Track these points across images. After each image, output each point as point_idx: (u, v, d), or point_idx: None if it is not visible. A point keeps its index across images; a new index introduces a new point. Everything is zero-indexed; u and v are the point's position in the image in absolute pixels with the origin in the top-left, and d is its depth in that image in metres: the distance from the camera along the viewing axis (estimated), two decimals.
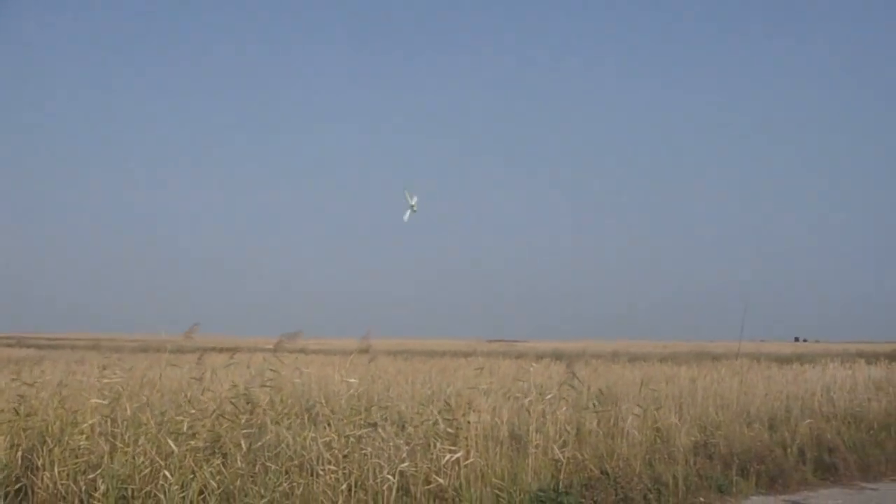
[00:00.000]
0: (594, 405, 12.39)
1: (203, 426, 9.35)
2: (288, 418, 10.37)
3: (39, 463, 8.54)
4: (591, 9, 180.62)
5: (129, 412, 9.72)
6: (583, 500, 9.95)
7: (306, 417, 10.80)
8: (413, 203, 12.22)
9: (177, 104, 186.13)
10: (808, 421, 14.46)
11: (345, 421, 9.95)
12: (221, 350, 34.64)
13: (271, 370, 10.94)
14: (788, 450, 12.98)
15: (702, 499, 11.15)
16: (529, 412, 11.19)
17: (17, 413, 9.27)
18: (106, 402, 9.84)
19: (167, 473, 8.24)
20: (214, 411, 9.69)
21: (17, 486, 8.35)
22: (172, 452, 8.60)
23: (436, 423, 10.42)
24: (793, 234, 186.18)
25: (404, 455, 9.36)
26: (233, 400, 9.97)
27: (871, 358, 30.47)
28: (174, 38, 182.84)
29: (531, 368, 14.33)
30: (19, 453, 8.76)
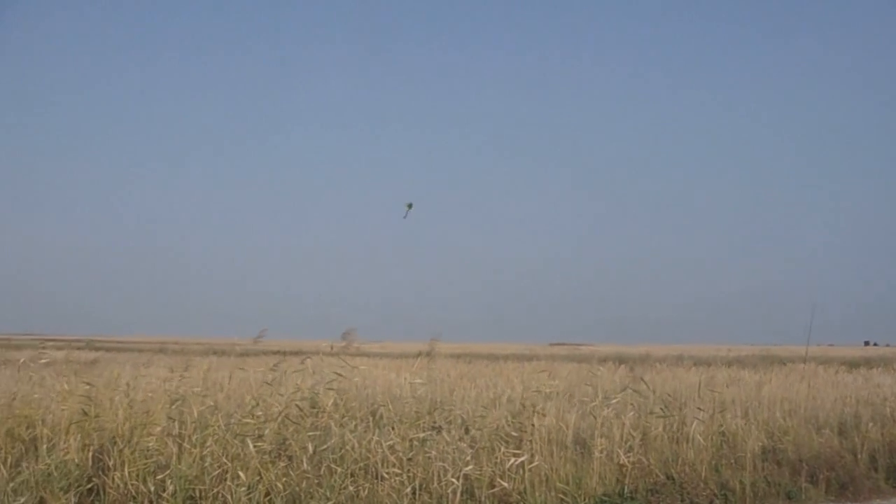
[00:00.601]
0: (660, 409, 12.25)
1: (270, 429, 9.45)
2: (352, 421, 10.42)
3: (110, 463, 8.69)
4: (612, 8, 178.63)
5: (195, 414, 9.88)
6: None
7: (371, 420, 10.85)
8: (407, 208, 12.34)
9: (202, 104, 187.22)
10: (881, 427, 14.16)
11: (409, 424, 9.98)
12: (285, 353, 35.01)
13: (336, 373, 10.99)
14: (859, 456, 12.71)
15: None
16: (595, 416, 11.12)
17: (87, 414, 9.44)
18: (174, 405, 10.00)
19: (241, 474, 8.34)
20: (281, 413, 9.78)
21: (88, 486, 8.50)
22: (240, 454, 8.71)
23: (500, 426, 10.40)
24: (864, 236, 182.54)
25: (468, 458, 9.36)
26: (298, 403, 10.05)
27: None
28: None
29: (598, 372, 14.23)
30: (90, 454, 8.91)
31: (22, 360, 15.12)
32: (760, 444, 12.48)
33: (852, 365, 30.79)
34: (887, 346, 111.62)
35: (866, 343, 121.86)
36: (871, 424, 14.22)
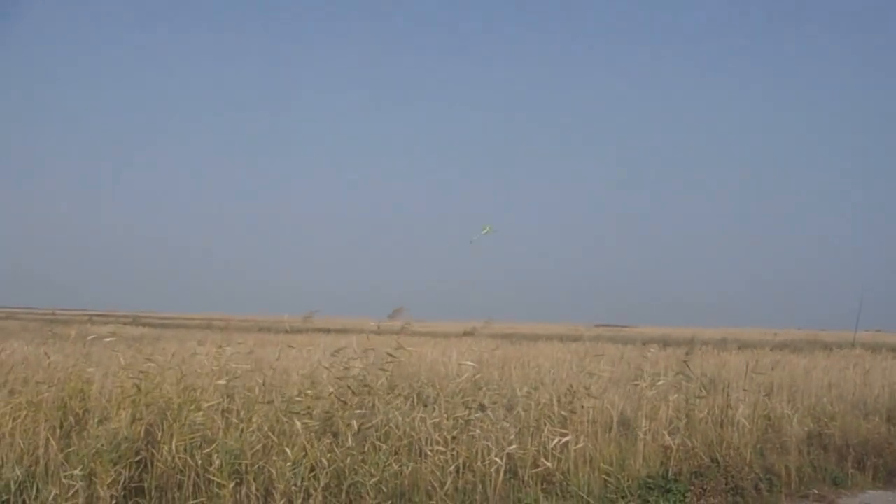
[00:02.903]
0: (704, 392, 12.19)
1: (318, 406, 9.55)
2: (398, 399, 10.49)
3: (159, 437, 8.83)
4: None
5: (245, 391, 10.02)
6: (692, 488, 9.82)
7: (415, 399, 10.92)
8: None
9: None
10: None
11: (454, 403, 10.03)
12: (329, 331, 35.25)
13: (389, 354, 11.06)
14: None
15: (815, 491, 10.89)
16: (640, 398, 11.10)
17: (139, 389, 9.58)
18: (224, 381, 10.14)
19: (287, 450, 8.43)
20: (332, 394, 9.88)
21: (137, 459, 8.63)
22: (286, 431, 8.82)
23: (544, 405, 10.42)
24: None
25: (512, 438, 9.39)
26: (350, 385, 10.11)
27: None
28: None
29: (648, 354, 14.17)
30: (141, 427, 9.05)
31: (73, 335, 15.40)
32: (806, 428, 12.40)
33: None
34: None
35: None
36: None
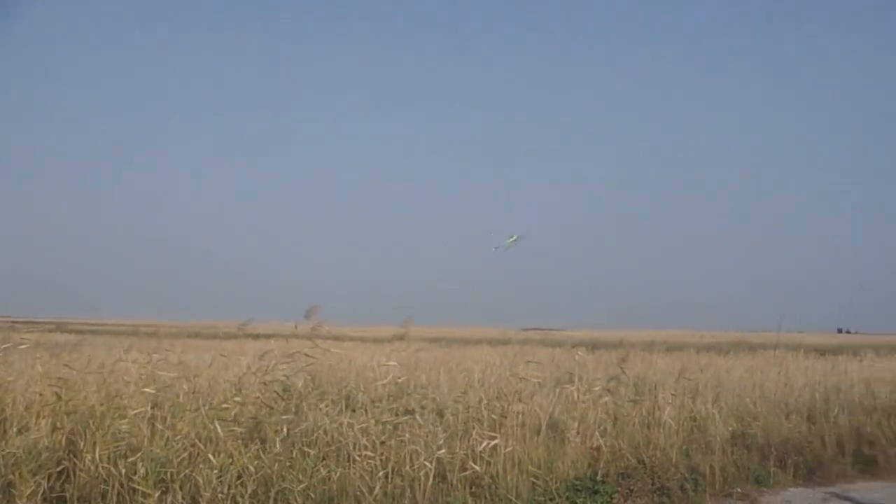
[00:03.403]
0: (633, 395, 12.34)
1: (245, 412, 9.45)
2: (325, 404, 10.43)
3: (81, 446, 8.66)
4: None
5: (171, 398, 9.87)
6: (619, 489, 9.92)
7: (344, 404, 10.87)
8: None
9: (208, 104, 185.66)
10: (848, 413, 14.35)
11: (382, 407, 10.01)
12: (258, 336, 34.91)
13: (307, 355, 10.99)
14: (827, 442, 12.88)
15: (739, 489, 11.08)
16: (574, 401, 11.20)
17: (59, 397, 9.38)
18: (150, 388, 9.97)
19: (211, 457, 8.32)
20: (258, 399, 9.77)
21: (59, 469, 8.45)
22: (212, 437, 8.71)
23: (474, 410, 10.45)
24: (836, 224, 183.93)
25: (441, 442, 9.40)
26: (276, 389, 10.03)
27: None
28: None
29: (577, 357, 14.31)
30: (62, 436, 8.86)
31: None
32: (731, 429, 12.63)
33: (822, 352, 31.10)
34: (856, 333, 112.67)
35: (839, 330, 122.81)
36: (838, 410, 14.42)
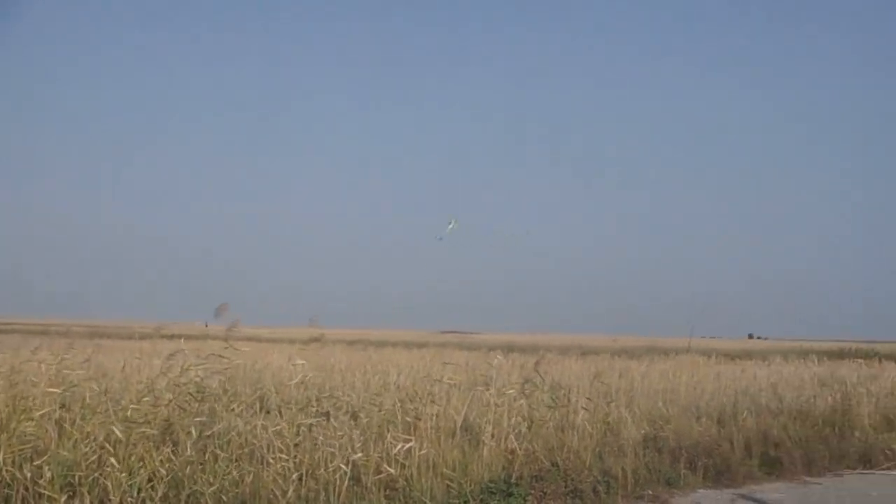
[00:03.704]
0: (549, 398, 12.44)
1: (157, 414, 9.27)
2: (238, 405, 10.31)
3: None
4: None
5: (81, 399, 9.64)
6: (532, 492, 10.00)
7: (258, 406, 10.75)
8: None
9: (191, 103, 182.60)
10: (756, 416, 14.70)
11: (296, 409, 9.93)
12: (172, 337, 34.36)
13: (220, 356, 10.86)
14: (735, 444, 13.14)
15: (650, 491, 11.25)
16: (489, 404, 11.24)
17: None
18: (59, 390, 9.72)
19: (113, 461, 8.15)
20: (172, 401, 9.59)
21: None
22: (122, 440, 8.52)
23: (389, 413, 10.44)
24: (748, 229, 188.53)
25: (357, 445, 9.36)
26: (190, 391, 9.87)
27: (819, 355, 31.00)
28: (169, 27, 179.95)
29: (495, 361, 14.37)
30: None
31: None
32: (643, 432, 12.82)
33: (733, 357, 31.81)
34: (766, 338, 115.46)
35: (750, 336, 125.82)
36: (746, 413, 14.76)
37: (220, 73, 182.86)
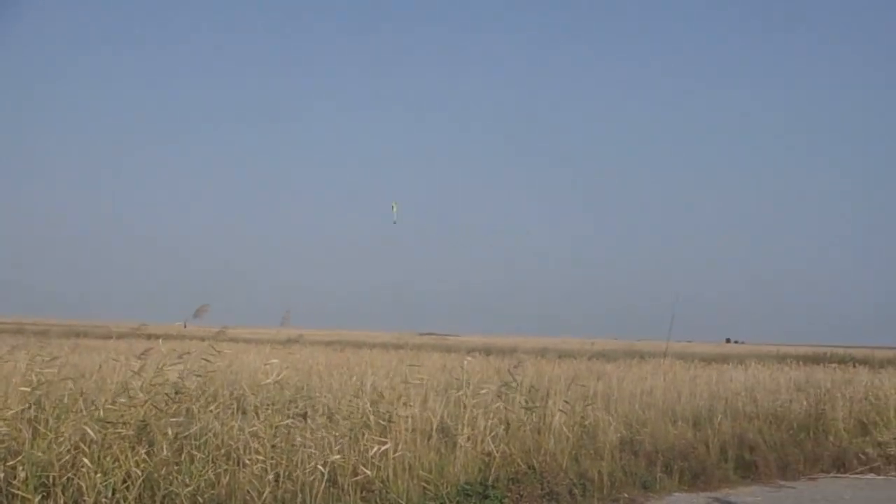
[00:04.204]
0: (525, 401, 12.46)
1: (133, 414, 9.21)
2: (215, 406, 10.27)
3: None
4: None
5: (55, 399, 9.57)
6: (509, 494, 10.03)
7: (235, 407, 10.71)
8: (394, 209, 12.51)
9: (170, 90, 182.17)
10: (731, 420, 14.79)
11: (273, 410, 9.89)
12: (149, 336, 34.15)
13: (205, 359, 10.82)
14: (711, 448, 13.23)
15: (626, 494, 11.30)
16: (464, 406, 11.24)
17: None
18: (30, 389, 9.63)
19: (86, 461, 8.09)
20: (147, 401, 9.52)
21: None
22: (97, 440, 8.46)
23: (364, 414, 10.42)
24: (726, 231, 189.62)
25: (336, 446, 9.35)
26: (166, 392, 9.82)
27: (795, 360, 31.20)
28: (163, 23, 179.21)
29: (465, 363, 14.37)
30: None
31: None
32: (619, 435, 12.85)
33: (709, 361, 31.93)
34: (742, 342, 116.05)
35: (727, 340, 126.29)
36: (722, 417, 14.84)
37: (220, 73, 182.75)
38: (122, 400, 9.41)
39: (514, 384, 12.83)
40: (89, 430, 8.42)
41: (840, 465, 14.10)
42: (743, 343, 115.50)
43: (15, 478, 7.92)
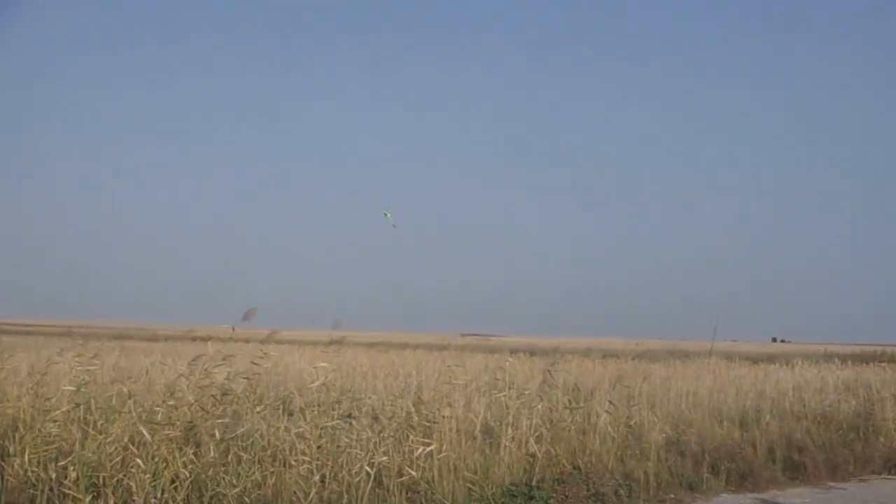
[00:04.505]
0: (569, 401, 12.42)
1: (180, 415, 9.30)
2: (262, 408, 10.34)
3: (11, 450, 8.48)
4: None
5: (103, 401, 9.69)
6: (554, 495, 9.99)
7: (281, 408, 10.78)
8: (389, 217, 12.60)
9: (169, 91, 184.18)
10: (779, 420, 14.63)
11: (319, 412, 9.94)
12: (195, 339, 34.48)
13: (253, 363, 10.91)
14: (758, 448, 13.08)
15: (672, 495, 11.23)
16: (507, 406, 11.22)
17: None
18: (75, 388, 9.77)
19: (139, 461, 8.19)
20: (195, 403, 9.61)
21: None
22: (146, 441, 8.56)
23: (409, 415, 10.44)
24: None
25: (380, 447, 9.37)
26: (208, 389, 9.90)
27: (843, 359, 30.75)
28: (163, 24, 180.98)
29: (507, 363, 14.36)
30: None
31: None
32: (665, 435, 12.76)
33: (756, 360, 31.61)
34: (789, 342, 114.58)
35: (774, 339, 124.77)
36: (769, 417, 14.68)
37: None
38: (170, 402, 9.51)
39: (553, 383, 12.77)
40: (144, 431, 8.52)
41: (892, 466, 13.90)
42: (790, 342, 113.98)
43: (66, 478, 8.04)
